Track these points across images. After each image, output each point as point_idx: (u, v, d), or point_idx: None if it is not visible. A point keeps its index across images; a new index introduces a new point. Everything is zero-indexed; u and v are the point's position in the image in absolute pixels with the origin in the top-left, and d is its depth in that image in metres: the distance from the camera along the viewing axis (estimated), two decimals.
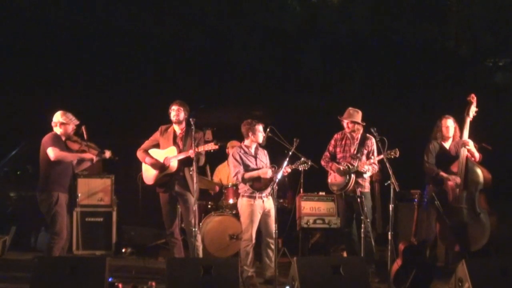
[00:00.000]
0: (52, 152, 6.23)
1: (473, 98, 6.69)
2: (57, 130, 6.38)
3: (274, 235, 6.29)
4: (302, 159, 6.52)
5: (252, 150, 6.68)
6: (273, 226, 6.35)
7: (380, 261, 6.88)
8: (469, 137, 6.76)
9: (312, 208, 7.43)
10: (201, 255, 6.59)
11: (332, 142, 7.04)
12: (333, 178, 6.93)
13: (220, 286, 5.36)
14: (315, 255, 7.51)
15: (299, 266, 5.46)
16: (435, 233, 6.79)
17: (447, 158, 6.85)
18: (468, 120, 6.69)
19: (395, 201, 6.41)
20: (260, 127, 6.66)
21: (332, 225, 7.35)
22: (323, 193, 7.48)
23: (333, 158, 6.99)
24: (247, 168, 6.56)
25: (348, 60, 11.41)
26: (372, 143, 6.80)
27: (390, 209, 6.14)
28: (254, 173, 6.52)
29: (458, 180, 6.62)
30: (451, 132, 6.90)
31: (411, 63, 11.37)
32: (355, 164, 6.74)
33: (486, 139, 7.06)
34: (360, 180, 6.77)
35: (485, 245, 6.49)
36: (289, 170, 6.54)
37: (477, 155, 6.77)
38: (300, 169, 6.60)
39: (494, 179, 6.77)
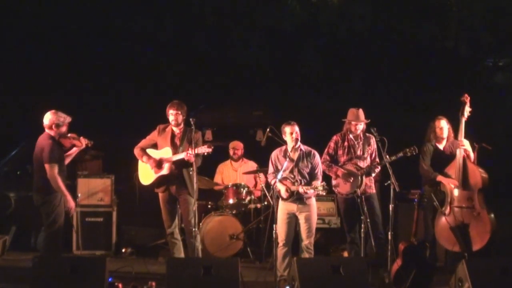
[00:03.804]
0: (49, 171, 6.09)
1: (467, 98, 6.68)
2: (51, 132, 6.23)
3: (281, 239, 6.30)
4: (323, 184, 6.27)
5: (292, 153, 6.36)
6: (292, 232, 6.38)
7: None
8: (468, 137, 6.76)
9: None
10: (200, 255, 6.58)
11: (332, 145, 6.78)
12: (341, 183, 6.69)
13: (220, 286, 5.37)
14: (315, 255, 7.51)
15: (299, 266, 5.47)
16: (433, 233, 6.79)
17: (442, 160, 6.84)
18: (463, 120, 6.67)
19: (395, 201, 6.40)
20: (287, 128, 6.35)
21: (332, 225, 7.35)
22: (323, 193, 7.45)
23: (334, 161, 6.77)
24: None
25: (348, 60, 11.40)
26: (374, 142, 6.65)
27: (390, 209, 6.15)
28: (272, 184, 6.28)
29: (455, 183, 6.61)
30: (445, 133, 6.89)
31: (411, 63, 11.37)
32: (363, 165, 6.61)
33: (486, 139, 7.07)
34: (367, 181, 6.63)
35: (485, 245, 6.50)
36: (312, 196, 6.39)
37: (472, 155, 6.77)
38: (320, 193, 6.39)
39: (494, 179, 6.77)
